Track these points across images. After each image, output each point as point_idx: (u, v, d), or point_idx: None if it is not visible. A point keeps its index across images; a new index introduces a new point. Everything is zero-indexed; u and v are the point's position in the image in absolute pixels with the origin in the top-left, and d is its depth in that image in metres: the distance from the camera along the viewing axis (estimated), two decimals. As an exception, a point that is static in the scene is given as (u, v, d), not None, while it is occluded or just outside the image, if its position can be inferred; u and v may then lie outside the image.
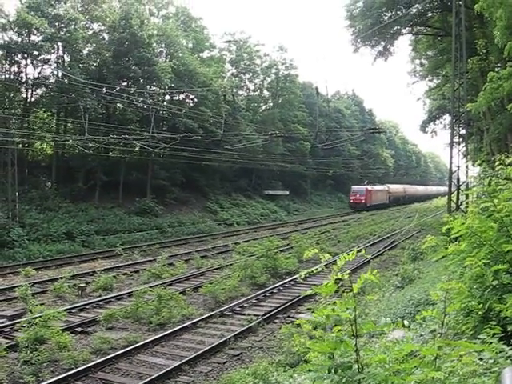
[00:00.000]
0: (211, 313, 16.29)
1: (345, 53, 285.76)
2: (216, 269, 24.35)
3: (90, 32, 43.11)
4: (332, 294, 3.71)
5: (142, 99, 41.55)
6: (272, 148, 56.63)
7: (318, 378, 3.49)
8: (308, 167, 67.69)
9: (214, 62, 58.19)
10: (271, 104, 70.81)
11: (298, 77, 71.96)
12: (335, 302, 3.59)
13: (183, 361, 11.95)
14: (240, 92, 65.82)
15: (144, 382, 10.74)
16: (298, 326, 13.09)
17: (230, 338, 13.58)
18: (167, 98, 49.78)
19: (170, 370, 11.41)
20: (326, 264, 4.00)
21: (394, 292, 15.93)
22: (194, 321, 15.32)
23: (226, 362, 12.31)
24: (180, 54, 48.73)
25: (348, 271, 3.67)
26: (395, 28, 38.34)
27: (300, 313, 16.39)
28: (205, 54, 59.95)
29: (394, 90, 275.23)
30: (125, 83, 43.31)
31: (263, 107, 71.29)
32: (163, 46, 49.03)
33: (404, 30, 39.98)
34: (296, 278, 21.46)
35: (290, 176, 66.87)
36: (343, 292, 3.70)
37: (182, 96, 50.37)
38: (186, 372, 11.50)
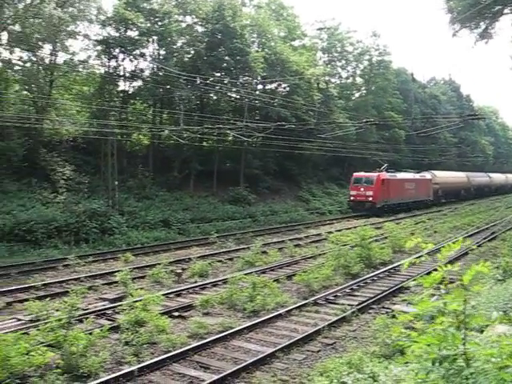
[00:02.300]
0: (305, 301, 16.23)
1: (441, 37, 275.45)
2: (309, 257, 24.28)
3: (184, 25, 44.05)
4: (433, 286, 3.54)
5: (235, 89, 42.01)
6: (365, 136, 55.71)
7: (422, 369, 3.36)
8: (402, 155, 65.97)
9: (306, 50, 57.76)
10: (364, 91, 69.55)
11: (392, 63, 70.23)
12: (441, 294, 3.41)
13: (277, 348, 11.98)
14: (332, 80, 65.09)
15: (239, 366, 10.87)
16: (393, 316, 12.89)
17: (323, 327, 13.49)
18: (260, 87, 50.06)
19: (264, 357, 11.45)
20: (420, 255, 3.83)
21: (495, 285, 15.22)
22: (288, 309, 15.32)
23: (319, 350, 12.23)
24: (272, 44, 48.71)
25: (447, 262, 3.46)
26: (496, 8, 36.44)
27: (395, 304, 16.02)
28: (296, 43, 59.64)
29: (493, 74, 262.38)
30: (218, 74, 43.87)
31: (356, 94, 70.19)
32: (255, 35, 49.19)
33: (506, 10, 37.91)
34: (390, 269, 21.09)
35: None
36: (447, 284, 3.54)
37: (274, 85, 50.43)
38: (280, 359, 11.52)
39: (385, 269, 21.13)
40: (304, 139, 42.79)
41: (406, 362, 3.54)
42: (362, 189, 45.30)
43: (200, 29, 44.54)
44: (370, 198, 44.83)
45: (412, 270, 20.03)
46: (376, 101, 64.64)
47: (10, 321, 13.80)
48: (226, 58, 42.55)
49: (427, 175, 57.32)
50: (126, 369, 10.66)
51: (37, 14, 32.47)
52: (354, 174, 47.66)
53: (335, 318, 14.37)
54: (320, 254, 24.43)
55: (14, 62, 34.88)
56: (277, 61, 46.81)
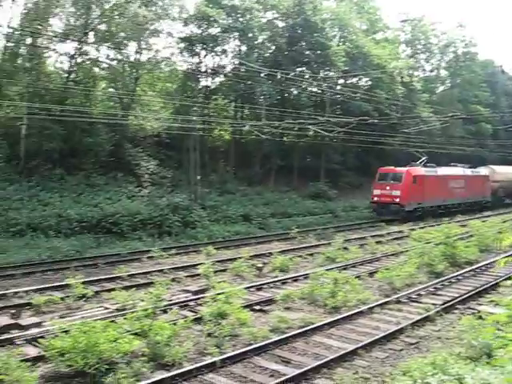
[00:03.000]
0: (387, 299, 15.88)
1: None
2: (391, 255, 23.76)
3: (265, 20, 44.21)
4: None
5: (315, 84, 41.76)
6: (450, 130, 53.93)
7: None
8: (490, 151, 63.28)
9: (389, 43, 56.59)
10: (449, 84, 67.32)
11: (478, 54, 67.61)
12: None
13: (359, 345, 11.77)
14: (415, 73, 63.42)
15: (320, 362, 10.77)
16: (480, 318, 12.40)
17: (406, 326, 13.16)
18: (341, 81, 49.51)
19: (345, 353, 11.29)
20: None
21: None
22: (370, 306, 15.02)
23: (402, 349, 11.91)
24: (353, 37, 48.06)
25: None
26: None
27: (481, 304, 15.40)
28: (378, 36, 58.58)
29: None
30: (299, 68, 43.75)
31: (440, 88, 68.04)
32: (336, 29, 48.73)
33: None
34: (476, 268, 20.34)
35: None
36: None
37: (355, 79, 49.77)
38: (362, 356, 11.31)
39: (470, 268, 20.35)
40: (386, 134, 41.96)
41: (498, 365, 3.33)
42: (387, 187, 36.49)
43: (280, 24, 44.59)
44: (397, 199, 36.08)
45: (499, 270, 19.23)
46: (461, 94, 62.42)
47: (98, 309, 14.31)
48: (307, 52, 42.41)
49: (483, 171, 48.12)
50: (209, 359, 10.78)
51: (122, 13, 33.51)
52: (380, 168, 39.18)
53: (418, 317, 13.97)
54: (402, 252, 23.83)
55: (100, 60, 36.19)
56: (358, 54, 46.19)
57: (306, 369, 10.39)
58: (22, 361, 9.76)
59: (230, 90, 39.83)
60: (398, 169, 37.91)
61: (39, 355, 10.66)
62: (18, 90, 32.03)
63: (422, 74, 65.76)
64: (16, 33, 31.19)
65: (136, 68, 37.14)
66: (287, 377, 10.00)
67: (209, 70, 40.83)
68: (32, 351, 11.08)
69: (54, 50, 33.94)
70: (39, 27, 31.18)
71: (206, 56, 40.38)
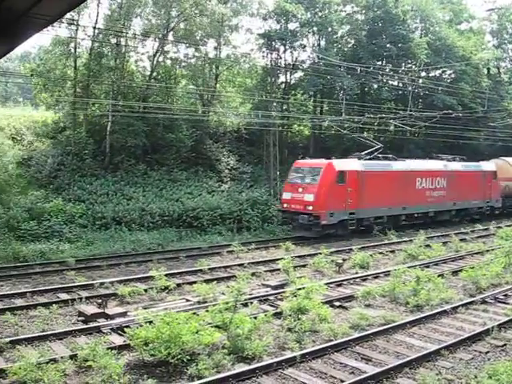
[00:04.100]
0: (472, 299, 15.33)
1: None
2: (476, 253, 22.94)
3: (344, 14, 43.67)
4: None
5: (397, 77, 40.87)
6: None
7: None
8: None
9: (474, 34, 54.47)
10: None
11: None
12: None
13: (442, 345, 11.38)
14: (503, 64, 60.72)
15: (402, 361, 10.51)
16: None
17: (492, 327, 12.60)
18: (423, 74, 48.17)
19: (428, 353, 10.95)
20: None
21: None
22: (454, 305, 14.54)
23: (488, 351, 11.41)
24: (436, 29, 46.60)
25: None
26: None
27: None
28: (462, 26, 56.52)
29: None
30: (379, 62, 42.93)
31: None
32: (418, 21, 47.42)
33: None
34: None
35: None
36: None
37: (438, 72, 48.24)
38: (445, 357, 10.92)
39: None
40: (471, 128, 40.47)
41: None
42: (299, 189, 26.50)
43: (360, 17, 43.88)
44: (310, 207, 25.71)
45: None
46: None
47: (180, 301, 14.61)
48: (388, 45, 41.49)
49: (487, 166, 36.41)
50: (289, 354, 10.77)
51: (201, 12, 34.01)
52: (297, 161, 29.20)
53: (506, 319, 13.39)
54: (488, 250, 22.95)
55: (181, 58, 36.92)
56: (441, 46, 44.68)
57: (387, 367, 10.19)
58: (108, 349, 10.08)
59: (310, 85, 39.50)
60: (316, 162, 28.01)
61: (124, 344, 11.00)
62: (104, 88, 33.17)
63: (509, 65, 62.85)
64: (101, 33, 32.35)
65: (216, 65, 37.62)
66: (368, 374, 9.83)
67: (288, 65, 40.75)
68: (117, 340, 11.45)
69: (135, 49, 34.96)
70: (122, 27, 32.16)
71: (285, 51, 40.32)
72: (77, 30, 31.86)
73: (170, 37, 34.99)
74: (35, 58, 54.90)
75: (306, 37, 40.52)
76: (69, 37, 32.10)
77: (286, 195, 27.29)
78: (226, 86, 41.34)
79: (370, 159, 29.07)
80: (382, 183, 28.20)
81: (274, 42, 39.12)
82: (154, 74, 35.02)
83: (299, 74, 42.74)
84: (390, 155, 31.34)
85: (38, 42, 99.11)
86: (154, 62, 34.56)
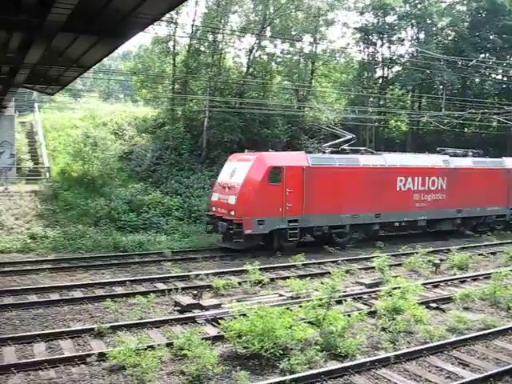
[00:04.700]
0: None
1: None
2: None
3: (444, 5, 42.18)
4: None
5: (501, 70, 38.99)
6: None
7: None
8: None
9: None
10: None
11: None
12: None
13: (548, 355, 10.79)
14: None
15: (503, 369, 9.97)
16: None
17: None
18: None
19: (533, 363, 10.40)
20: None
21: None
22: None
23: None
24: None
25: None
26: None
27: None
28: None
29: None
30: (482, 55, 41.12)
31: None
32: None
33: None
34: None
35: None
36: None
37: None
38: (552, 368, 10.32)
39: None
40: None
41: None
42: (226, 189, 21.53)
43: (462, 8, 42.25)
44: (232, 212, 20.70)
45: None
46: None
47: (273, 295, 14.68)
48: (492, 37, 39.69)
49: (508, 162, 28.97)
50: (382, 354, 10.55)
51: (298, 7, 33.98)
52: (233, 154, 24.58)
53: None
54: None
55: (277, 54, 37.09)
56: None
57: (486, 374, 9.72)
58: (203, 339, 10.28)
59: (408, 80, 38.57)
60: (248, 155, 22.59)
61: (218, 335, 11.17)
62: (201, 84, 33.91)
63: None
64: (198, 31, 33.10)
65: (311, 60, 37.48)
66: (465, 380, 9.45)
67: (385, 60, 39.95)
68: (211, 331, 11.67)
69: (232, 45, 35.52)
70: (220, 24, 32.74)
71: (382, 45, 39.61)
72: (175, 28, 32.77)
73: (267, 32, 35.22)
74: (135, 57, 57.03)
75: (404, 30, 39.61)
76: (168, 35, 33.08)
77: (214, 196, 22.33)
78: (322, 82, 41.10)
79: (334, 152, 23.83)
80: (342, 183, 22.51)
81: (370, 36, 38.52)
82: (251, 69, 35.37)
83: (397, 68, 41.81)
84: (364, 148, 25.53)
85: (138, 41, 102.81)
86: (251, 58, 34.91)
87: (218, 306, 13.29)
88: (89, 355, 10.00)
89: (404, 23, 38.71)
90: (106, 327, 11.48)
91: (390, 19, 38.76)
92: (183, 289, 15.17)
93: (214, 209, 22.04)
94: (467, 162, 27.34)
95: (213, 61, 33.39)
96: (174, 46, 33.21)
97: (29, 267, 18.11)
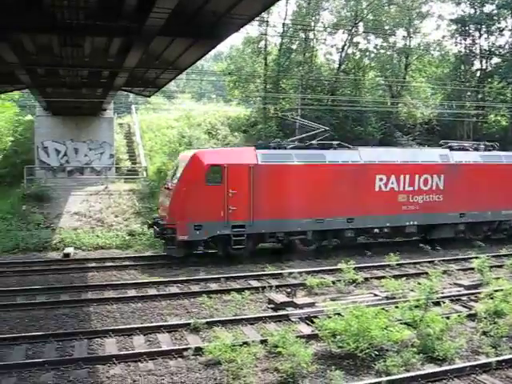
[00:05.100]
0: None
1: None
2: None
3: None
4: None
5: None
6: None
7: None
8: None
9: None
10: None
11: None
12: None
13: None
14: None
15: None
16: None
17: None
18: None
19: None
20: None
21: None
22: None
23: None
24: None
25: None
26: None
27: None
28: None
29: None
30: None
31: None
32: None
33: None
34: None
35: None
36: None
37: None
38: None
39: None
40: None
41: None
42: (166, 191, 20.00)
43: None
44: (167, 216, 19.07)
45: None
46: None
47: (368, 295, 14.46)
48: None
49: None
50: (483, 359, 10.13)
51: (390, 1, 33.33)
52: (182, 154, 22.48)
53: None
54: None
55: (369, 49, 36.54)
56: None
57: None
58: (297, 337, 10.30)
59: (508, 72, 36.78)
60: (190, 152, 20.47)
61: (312, 333, 11.16)
62: (293, 83, 33.99)
63: None
64: (289, 29, 33.20)
65: (405, 54, 36.62)
66: None
67: (484, 52, 38.30)
68: (305, 329, 11.68)
69: (324, 42, 35.35)
70: (311, 21, 32.69)
71: (480, 36, 37.98)
72: (266, 27, 33.04)
73: (359, 28, 34.82)
74: (227, 57, 58.03)
75: (504, 19, 37.72)
76: (260, 34, 33.42)
77: (160, 198, 21.31)
78: (416, 77, 40.04)
79: (296, 148, 20.63)
80: (302, 183, 19.45)
81: (467, 27, 37.07)
82: (343, 66, 35.07)
83: (496, 60, 39.95)
84: (338, 142, 21.76)
85: (229, 42, 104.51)
86: (343, 55, 34.61)
87: (311, 305, 13.25)
88: (186, 349, 10.29)
89: (504, 12, 36.93)
90: (202, 322, 11.76)
91: (488, 8, 37.13)
92: (277, 287, 15.26)
93: (159, 212, 20.75)
94: (474, 156, 22.95)
95: (304, 59, 33.40)
96: (265, 45, 33.53)
97: (127, 263, 18.95)
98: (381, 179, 20.68)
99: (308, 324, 11.97)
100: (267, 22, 32.84)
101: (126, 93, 29.32)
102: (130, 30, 10.64)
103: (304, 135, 22.52)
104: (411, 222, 21.33)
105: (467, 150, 23.47)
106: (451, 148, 22.94)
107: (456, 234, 22.53)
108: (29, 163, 27.39)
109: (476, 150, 23.55)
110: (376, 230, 21.03)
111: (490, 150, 23.74)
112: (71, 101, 22.60)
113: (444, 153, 22.41)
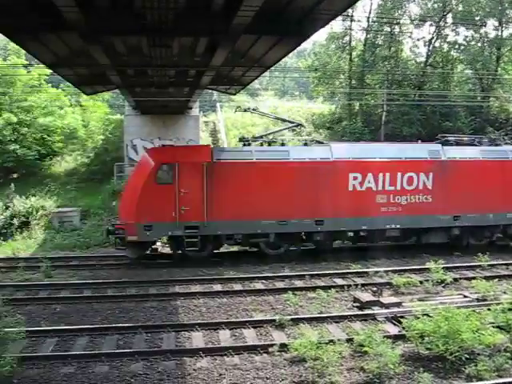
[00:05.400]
0: None
1: None
2: None
3: None
4: None
5: None
6: None
7: None
8: None
9: None
10: None
11: None
12: None
13: None
14: None
15: None
16: None
17: None
18: None
19: None
20: None
21: None
22: None
23: None
24: None
25: None
26: None
27: None
28: None
29: None
30: None
31: None
32: None
33: None
34: None
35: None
36: None
37: None
38: None
39: None
40: None
41: None
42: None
43: None
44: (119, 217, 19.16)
45: None
46: None
47: (457, 296, 14.00)
48: None
49: None
50: None
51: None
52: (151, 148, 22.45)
53: None
54: None
55: (459, 42, 35.34)
56: None
57: None
58: (384, 337, 10.14)
59: None
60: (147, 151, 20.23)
61: (399, 334, 10.94)
62: (378, 78, 33.44)
63: None
64: (375, 23, 32.67)
65: (497, 46, 35.14)
66: None
67: None
68: (392, 329, 11.49)
69: (410, 35, 34.52)
70: (397, 15, 32.03)
71: None
72: (351, 22, 32.68)
73: (447, 20, 33.77)
74: (309, 54, 57.79)
75: None
76: (344, 29, 33.10)
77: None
78: (509, 69, 38.32)
79: (265, 143, 19.56)
80: (263, 182, 18.18)
81: None
82: (430, 59, 34.13)
83: None
84: (311, 138, 20.77)
85: (312, 38, 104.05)
86: (430, 48, 33.68)
87: (398, 305, 13.00)
88: (271, 345, 10.36)
89: None
90: (287, 319, 11.81)
91: None
92: (362, 285, 15.06)
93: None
94: (472, 152, 20.19)
95: (390, 53, 32.75)
96: (349, 40, 33.17)
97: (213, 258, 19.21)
98: (355, 178, 18.80)
99: (395, 324, 11.76)
100: (352, 16, 32.49)
101: (210, 91, 29.79)
102: (217, 29, 10.81)
103: (276, 130, 21.77)
104: (392, 225, 19.16)
105: (467, 144, 20.89)
106: (445, 143, 20.52)
107: (448, 238, 20.09)
108: (118, 161, 28.34)
109: (477, 144, 20.81)
110: (350, 234, 19.12)
111: (497, 145, 20.93)
112: (159, 100, 23.19)
113: (435, 148, 20.06)
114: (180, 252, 18.47)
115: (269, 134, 20.91)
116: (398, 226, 19.18)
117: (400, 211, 19.12)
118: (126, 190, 18.91)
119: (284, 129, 21.94)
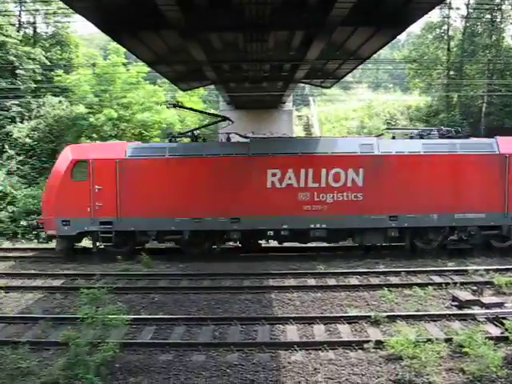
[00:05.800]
0: None
1: None
2: None
3: None
4: None
5: None
6: None
7: None
8: None
9: None
10: None
11: None
12: None
13: None
14: None
15: None
16: None
17: None
18: None
19: None
20: None
21: None
22: None
23: None
24: None
25: None
26: None
27: None
28: None
29: None
30: None
31: None
32: None
33: None
34: None
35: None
36: None
37: None
38: None
39: None
40: None
41: None
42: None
43: None
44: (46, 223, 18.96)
45: None
46: None
47: None
48: None
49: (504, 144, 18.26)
50: None
51: None
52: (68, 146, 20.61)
53: None
54: None
55: None
56: None
57: None
58: (486, 338, 9.75)
59: None
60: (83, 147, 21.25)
61: (502, 336, 10.47)
62: (478, 68, 32.15)
63: None
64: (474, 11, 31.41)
65: None
66: None
67: None
68: (493, 330, 11.01)
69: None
70: (497, 1, 30.67)
71: None
72: (449, 10, 31.60)
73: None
74: (403, 45, 56.38)
75: None
76: (442, 17, 32.05)
77: None
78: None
79: (191, 139, 19.58)
80: (176, 178, 18.07)
81: None
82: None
83: None
84: (235, 132, 19.27)
85: (408, 29, 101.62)
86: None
87: (500, 305, 12.44)
88: (366, 341, 10.24)
89: None
90: (383, 316, 11.61)
91: None
92: (461, 284, 14.52)
93: None
94: (412, 145, 18.39)
95: (491, 42, 31.36)
96: (447, 29, 32.06)
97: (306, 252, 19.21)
98: (274, 174, 17.98)
99: (496, 325, 11.25)
100: (450, 4, 31.39)
101: (302, 85, 29.77)
102: (313, 21, 10.78)
103: (203, 126, 22.50)
104: (317, 225, 18.00)
105: (411, 138, 19.18)
106: (380, 136, 19.28)
107: (385, 240, 18.52)
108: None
109: (422, 137, 18.90)
110: (270, 233, 18.29)
111: (449, 138, 18.78)
112: (253, 95, 23.45)
113: (367, 142, 18.58)
114: (102, 247, 18.83)
115: (195, 129, 20.95)
116: (323, 226, 18.05)
117: (325, 210, 18.04)
118: (46, 185, 19.64)
119: (210, 124, 22.41)
